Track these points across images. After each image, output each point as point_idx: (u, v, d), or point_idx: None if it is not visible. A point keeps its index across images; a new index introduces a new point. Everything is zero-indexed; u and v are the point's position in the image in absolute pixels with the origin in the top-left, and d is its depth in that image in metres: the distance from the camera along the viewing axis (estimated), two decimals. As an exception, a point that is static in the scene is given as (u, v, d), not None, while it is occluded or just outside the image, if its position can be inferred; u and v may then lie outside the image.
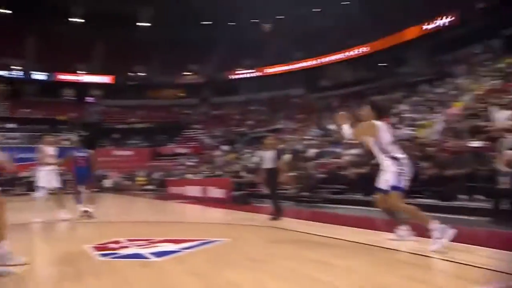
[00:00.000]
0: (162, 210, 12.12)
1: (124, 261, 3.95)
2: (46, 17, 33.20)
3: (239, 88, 37.11)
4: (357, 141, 5.04)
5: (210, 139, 31.04)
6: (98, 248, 4.63)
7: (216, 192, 13.46)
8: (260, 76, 35.61)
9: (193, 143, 31.48)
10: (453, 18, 23.62)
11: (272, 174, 7.87)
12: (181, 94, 38.38)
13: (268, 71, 35.25)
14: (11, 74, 32.55)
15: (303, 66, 33.56)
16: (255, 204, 11.99)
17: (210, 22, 37.52)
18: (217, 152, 25.17)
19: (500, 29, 21.02)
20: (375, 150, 4.62)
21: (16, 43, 32.38)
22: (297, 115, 29.38)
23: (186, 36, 35.04)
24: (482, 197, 7.55)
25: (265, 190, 11.77)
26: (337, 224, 6.33)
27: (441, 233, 3.95)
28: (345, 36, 31.50)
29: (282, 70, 34.56)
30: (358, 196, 10.53)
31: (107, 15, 33.95)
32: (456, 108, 13.49)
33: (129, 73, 36.52)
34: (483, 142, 8.77)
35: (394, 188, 4.30)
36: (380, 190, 4.57)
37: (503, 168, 7.30)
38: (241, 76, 36.42)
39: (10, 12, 34.33)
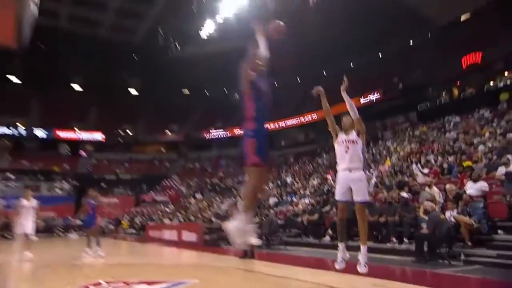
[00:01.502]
0: (140, 253, 11.50)
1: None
2: (50, 82, 32.88)
3: (211, 145, 37.24)
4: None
5: (186, 188, 30.45)
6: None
7: (189, 236, 13.01)
8: (230, 135, 35.98)
9: (171, 192, 30.71)
10: (378, 95, 25.24)
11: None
12: (162, 150, 38.00)
13: (236, 132, 35.72)
14: (14, 131, 31.29)
15: (265, 129, 34.28)
16: (224, 247, 11.67)
17: (188, 91, 38.37)
18: (191, 200, 24.62)
19: (416, 104, 22.55)
20: (355, 154, 4.10)
21: (21, 104, 31.62)
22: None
23: (168, 101, 35.47)
24: (407, 240, 7.71)
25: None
26: (295, 265, 6.22)
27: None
28: (299, 105, 32.79)
29: (248, 131, 35.08)
30: (311, 239, 10.51)
31: (103, 83, 34.10)
32: (386, 165, 14.09)
33: (119, 131, 36.00)
34: (409, 194, 9.12)
35: (367, 201, 3.95)
36: (345, 201, 4.03)
37: (422, 215, 7.61)
38: (213, 135, 36.68)
39: (19, 81, 33.81)
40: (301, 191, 15.40)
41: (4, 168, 27.61)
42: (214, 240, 11.87)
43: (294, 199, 14.44)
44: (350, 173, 4.03)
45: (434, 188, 8.57)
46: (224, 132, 36.20)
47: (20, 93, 32.10)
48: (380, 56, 29.19)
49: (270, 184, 20.45)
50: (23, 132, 31.63)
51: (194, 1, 22.66)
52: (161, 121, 36.02)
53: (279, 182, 20.02)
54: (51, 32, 26.34)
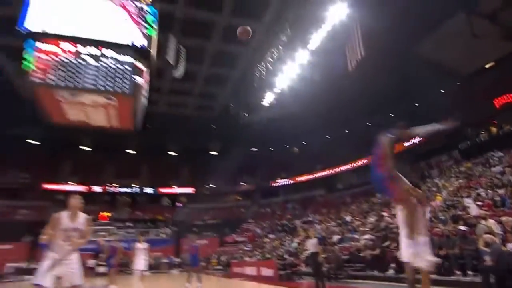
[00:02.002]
0: (228, 287, 11.52)
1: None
2: (154, 152, 36.61)
3: (278, 192, 37.18)
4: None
5: (260, 230, 30.24)
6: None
7: (267, 271, 12.79)
8: (293, 183, 35.79)
9: (248, 233, 30.71)
10: (420, 138, 23.60)
11: (316, 256, 7.66)
12: (239, 198, 38.79)
13: (298, 179, 35.48)
14: (131, 190, 35.03)
15: (323, 175, 33.63)
16: (297, 281, 11.26)
17: (256, 149, 39.65)
18: (266, 240, 24.30)
19: (457, 144, 20.70)
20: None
21: (135, 169, 35.50)
22: (321, 210, 28.53)
23: (241, 158, 36.91)
24: (471, 273, 6.80)
25: (308, 269, 11.11)
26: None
27: None
28: (352, 152, 31.80)
29: (308, 178, 34.69)
30: (375, 273, 9.72)
31: (191, 149, 36.97)
32: (438, 201, 12.84)
33: (205, 185, 37.89)
34: (466, 227, 8.19)
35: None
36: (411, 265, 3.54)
37: (483, 248, 6.75)
38: (279, 183, 36.76)
39: (134, 152, 38.19)
40: (361, 228, 14.50)
41: (125, 218, 30.53)
42: (288, 274, 11.53)
43: (356, 236, 13.63)
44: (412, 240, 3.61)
45: (490, 221, 7.64)
46: (288, 181, 36.21)
47: (134, 161, 36.18)
48: (416, 105, 27.87)
49: (332, 223, 19.59)
50: (137, 190, 35.16)
51: (256, 78, 24.42)
52: (237, 175, 37.37)
53: (339, 221, 19.09)
54: (154, 115, 29.96)
